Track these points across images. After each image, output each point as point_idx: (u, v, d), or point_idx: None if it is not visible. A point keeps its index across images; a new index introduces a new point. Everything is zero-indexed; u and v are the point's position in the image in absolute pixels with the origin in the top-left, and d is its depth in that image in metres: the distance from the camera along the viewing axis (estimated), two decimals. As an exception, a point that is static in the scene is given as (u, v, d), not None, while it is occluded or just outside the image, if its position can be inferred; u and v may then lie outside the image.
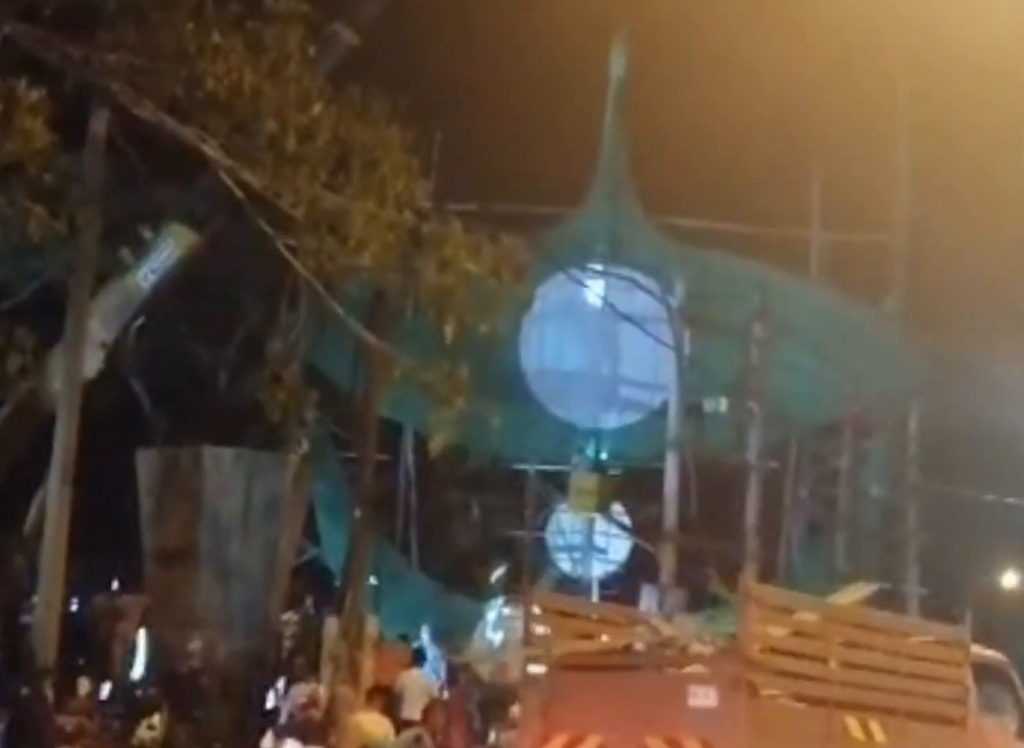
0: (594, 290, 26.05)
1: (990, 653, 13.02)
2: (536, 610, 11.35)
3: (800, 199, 28.99)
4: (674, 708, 10.15)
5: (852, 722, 10.60)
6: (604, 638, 11.49)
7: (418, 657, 21.89)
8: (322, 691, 18.16)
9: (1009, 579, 35.52)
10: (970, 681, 11.75)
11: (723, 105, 26.52)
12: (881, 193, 29.31)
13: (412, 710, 19.15)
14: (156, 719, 17.64)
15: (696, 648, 10.90)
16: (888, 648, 11.20)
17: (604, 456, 28.84)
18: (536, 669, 11.03)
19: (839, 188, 28.45)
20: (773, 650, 10.50)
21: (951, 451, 28.66)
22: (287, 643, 22.50)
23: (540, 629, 11.21)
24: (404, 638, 23.79)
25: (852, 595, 12.53)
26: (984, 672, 12.27)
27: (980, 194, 28.16)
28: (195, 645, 20.30)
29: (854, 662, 10.87)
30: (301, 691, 17.90)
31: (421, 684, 20.45)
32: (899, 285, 29.38)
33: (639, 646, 11.24)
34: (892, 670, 11.05)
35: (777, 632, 10.78)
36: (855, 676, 10.76)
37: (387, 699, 18.43)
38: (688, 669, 10.66)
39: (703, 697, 10.08)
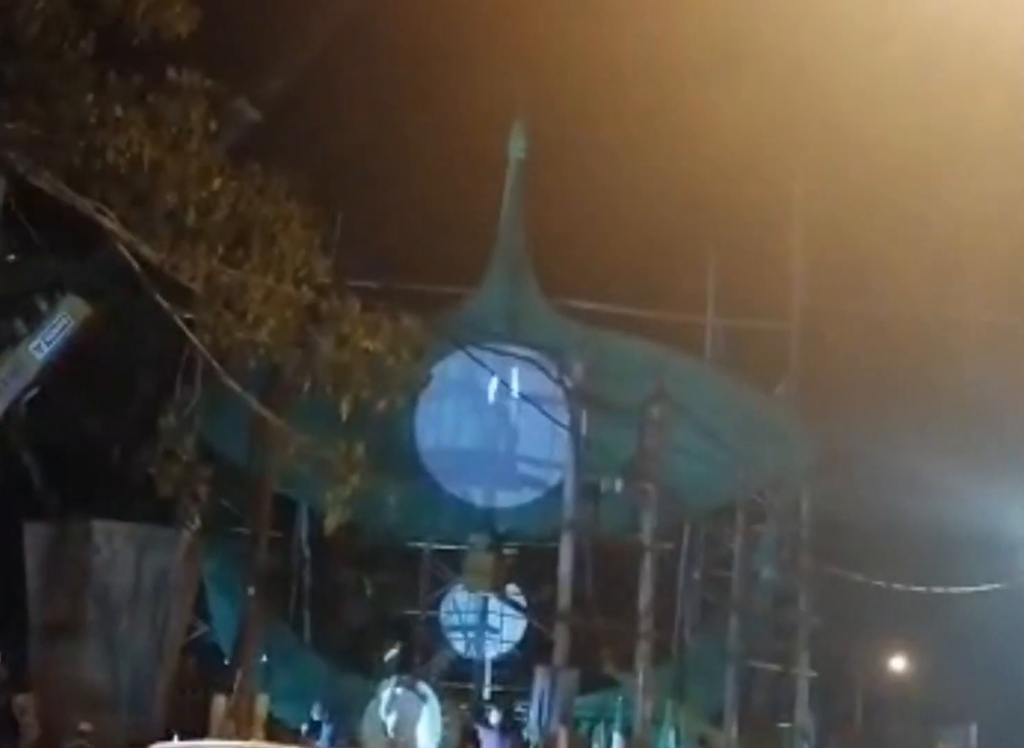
0: (491, 369, 26.13)
1: None
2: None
3: (696, 285, 29.34)
4: None
5: None
6: None
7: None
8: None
9: (897, 663, 35.85)
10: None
11: (621, 190, 26.86)
12: (776, 281, 29.76)
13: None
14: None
15: None
16: None
17: (500, 535, 28.83)
18: None
19: (734, 275, 28.85)
20: None
21: (841, 536, 28.96)
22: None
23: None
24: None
25: None
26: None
27: (872, 285, 28.70)
28: (85, 726, 19.94)
29: None
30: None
31: None
32: (792, 372, 29.76)
33: None
34: None
35: None
36: None
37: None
38: None
39: None
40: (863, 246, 28.10)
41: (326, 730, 24.50)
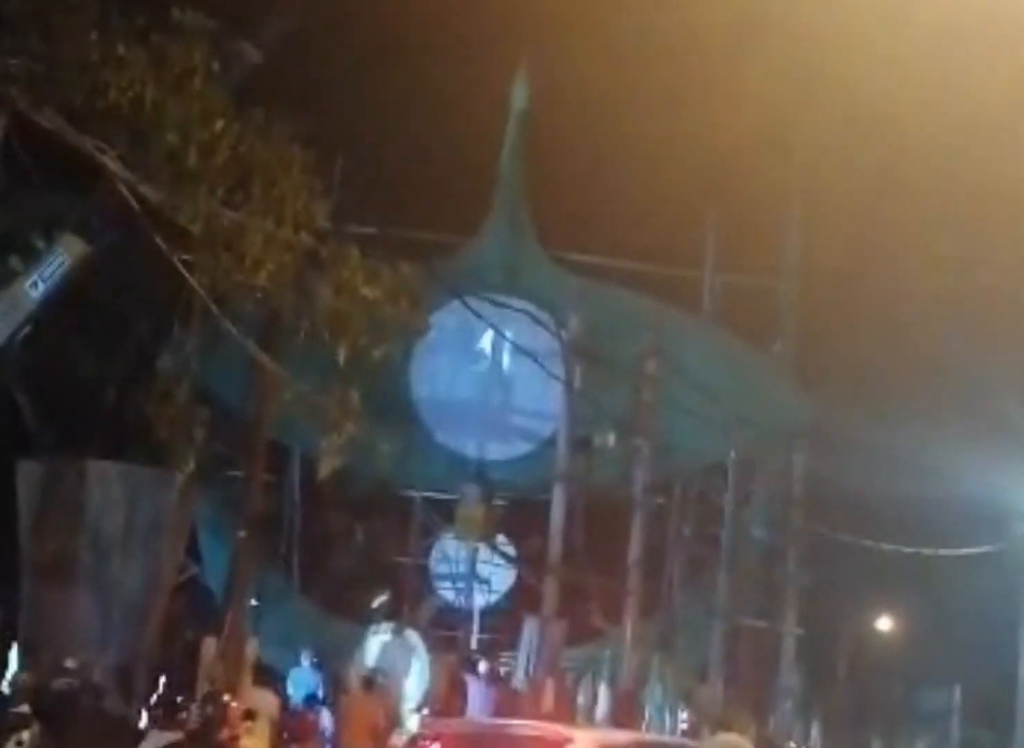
0: (488, 320, 26.12)
1: None
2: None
3: (695, 240, 29.30)
4: None
5: None
6: None
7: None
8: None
9: (883, 623, 36.05)
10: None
11: (623, 144, 26.79)
12: (774, 237, 29.72)
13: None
14: (26, 735, 17.34)
15: None
16: None
17: (491, 485, 28.87)
18: None
19: (733, 230, 28.81)
20: None
21: (832, 496, 29.05)
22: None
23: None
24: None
25: None
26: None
27: (870, 242, 28.68)
28: (71, 663, 19.99)
29: None
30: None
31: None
32: (787, 330, 29.77)
33: None
34: None
35: None
36: None
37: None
38: None
39: None
40: (862, 207, 28.08)
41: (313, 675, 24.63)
